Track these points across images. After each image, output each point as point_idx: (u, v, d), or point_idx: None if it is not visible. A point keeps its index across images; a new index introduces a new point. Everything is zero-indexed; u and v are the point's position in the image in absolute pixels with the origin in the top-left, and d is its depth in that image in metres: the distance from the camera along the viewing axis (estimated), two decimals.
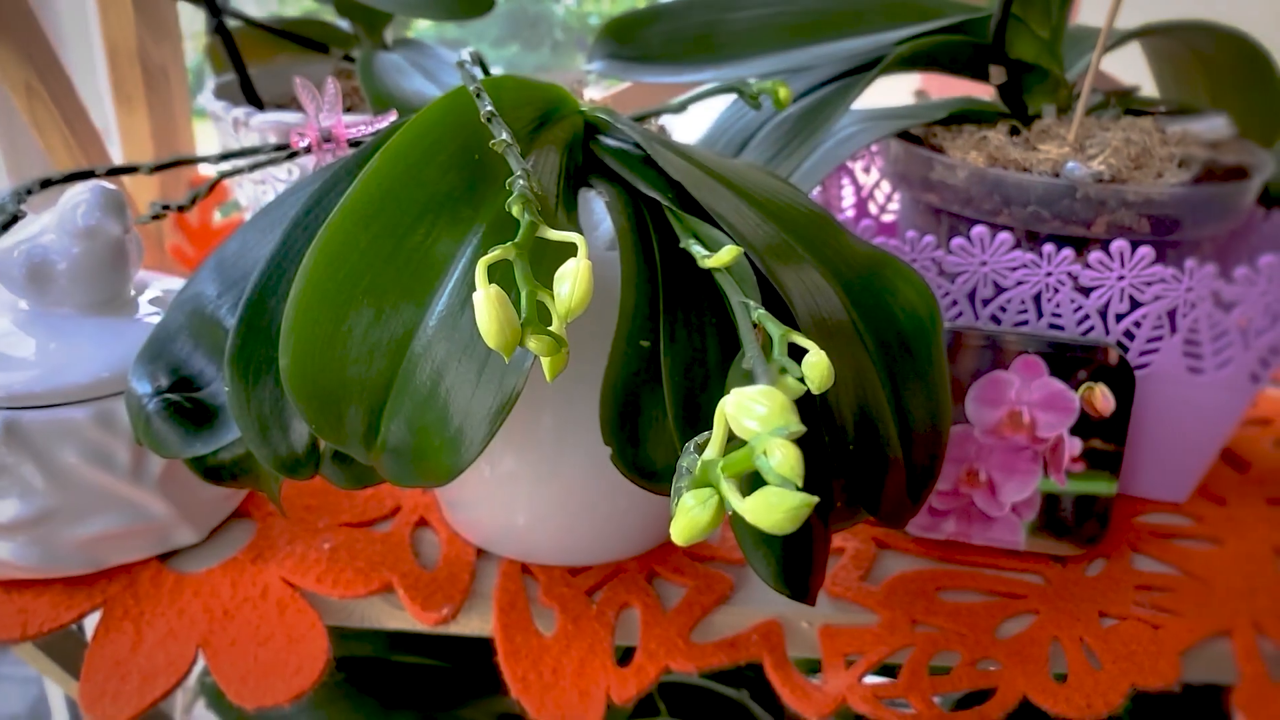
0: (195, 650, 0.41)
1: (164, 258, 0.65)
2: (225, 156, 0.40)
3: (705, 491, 0.19)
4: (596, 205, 0.39)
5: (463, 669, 0.55)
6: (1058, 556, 0.47)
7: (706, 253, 0.33)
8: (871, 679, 0.41)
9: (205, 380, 0.38)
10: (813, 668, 0.42)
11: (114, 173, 0.40)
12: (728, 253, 0.32)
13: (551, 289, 0.28)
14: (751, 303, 0.31)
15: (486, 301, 0.26)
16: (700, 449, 0.22)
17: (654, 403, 0.36)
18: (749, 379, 0.31)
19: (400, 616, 0.43)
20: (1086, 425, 0.45)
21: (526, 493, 0.44)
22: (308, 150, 0.41)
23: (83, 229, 0.41)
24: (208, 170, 0.67)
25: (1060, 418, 0.45)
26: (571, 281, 0.27)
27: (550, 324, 0.28)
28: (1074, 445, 0.45)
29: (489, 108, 0.32)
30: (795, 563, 0.35)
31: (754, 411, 0.19)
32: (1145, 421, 0.49)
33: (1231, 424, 0.48)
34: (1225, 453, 0.56)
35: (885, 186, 0.65)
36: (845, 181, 0.65)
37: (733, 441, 0.20)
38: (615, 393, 0.35)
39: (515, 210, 0.28)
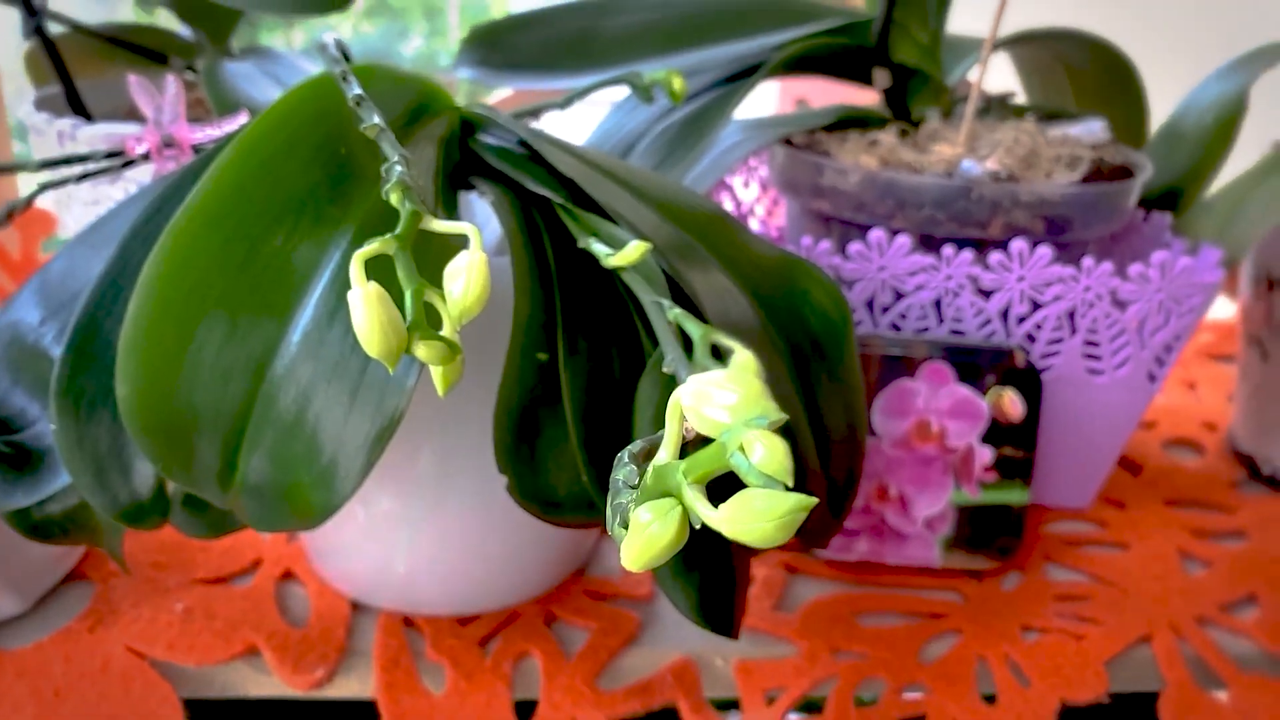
0: None
1: None
2: (48, 164, 0.35)
3: (665, 503, 0.16)
4: (479, 208, 0.35)
5: None
6: (974, 571, 0.45)
7: (610, 251, 0.30)
8: (795, 716, 0.38)
9: (27, 420, 0.32)
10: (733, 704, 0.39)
11: None
12: (634, 250, 0.29)
13: (439, 288, 0.24)
14: (665, 302, 0.28)
15: (365, 301, 0.22)
16: (637, 458, 0.19)
17: (555, 422, 0.32)
18: (663, 396, 0.28)
19: (268, 683, 0.37)
20: (997, 433, 0.43)
21: (406, 535, 0.39)
22: (146, 158, 0.36)
23: None
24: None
25: (970, 425, 0.43)
26: (465, 277, 0.24)
27: (440, 328, 0.24)
28: (985, 454, 0.43)
29: (357, 90, 0.28)
30: (716, 593, 0.32)
31: (719, 400, 0.16)
32: (1049, 427, 0.48)
33: (1131, 425, 0.48)
34: (1119, 457, 0.56)
35: (767, 201, 0.63)
36: (725, 197, 0.64)
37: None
38: (510, 413, 0.31)
39: (394, 199, 0.24)
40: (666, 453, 0.17)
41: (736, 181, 0.63)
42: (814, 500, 0.15)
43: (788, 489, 0.15)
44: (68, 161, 0.35)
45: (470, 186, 0.35)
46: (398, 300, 0.23)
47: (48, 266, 0.35)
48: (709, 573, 0.32)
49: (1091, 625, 0.42)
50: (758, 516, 0.15)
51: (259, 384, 0.28)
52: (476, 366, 0.32)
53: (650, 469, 0.16)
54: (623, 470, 0.18)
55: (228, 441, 0.29)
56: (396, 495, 0.39)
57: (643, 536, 0.15)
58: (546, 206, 0.33)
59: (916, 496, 0.44)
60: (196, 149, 0.36)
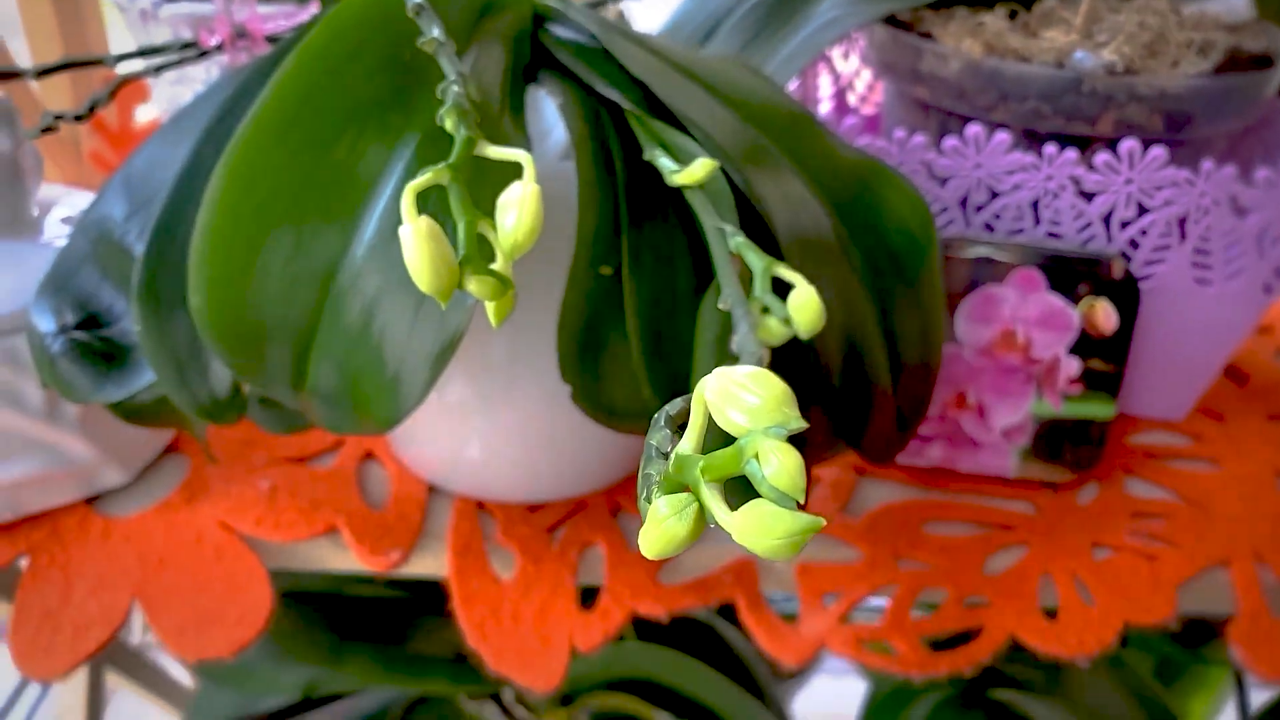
0: (129, 600, 0.38)
1: (83, 166, 0.60)
2: (124, 57, 0.35)
3: (682, 498, 0.15)
4: (548, 108, 0.34)
5: (421, 599, 0.53)
6: (1049, 483, 0.44)
7: (675, 166, 0.29)
8: (853, 620, 0.39)
9: (115, 316, 0.34)
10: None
11: (4, 77, 0.35)
12: (701, 167, 0.28)
13: (494, 218, 0.24)
14: (729, 228, 0.27)
15: (416, 237, 0.22)
16: (672, 423, 0.18)
17: (618, 335, 0.32)
18: (726, 320, 0.28)
19: (347, 559, 0.39)
20: (1086, 344, 0.42)
21: (479, 424, 0.40)
22: (220, 49, 0.36)
23: None
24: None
25: (1058, 336, 0.42)
26: (518, 210, 0.23)
27: (494, 261, 0.24)
28: (1071, 366, 0.42)
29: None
30: None
31: (742, 401, 0.15)
32: (1145, 336, 0.45)
33: (1238, 338, 0.45)
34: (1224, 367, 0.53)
35: (868, 76, 0.60)
36: (822, 70, 0.60)
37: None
38: (573, 326, 0.31)
39: (449, 124, 0.24)
40: (690, 443, 0.16)
41: (835, 53, 0.60)
42: (822, 522, 0.14)
43: (800, 506, 0.15)
44: (143, 54, 0.35)
45: (538, 82, 0.34)
46: (450, 230, 0.23)
47: (131, 160, 0.35)
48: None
49: (1167, 546, 0.41)
50: (766, 531, 0.14)
51: (326, 295, 0.29)
52: (549, 257, 0.31)
53: (674, 457, 0.16)
54: (657, 435, 0.18)
55: (297, 349, 0.29)
56: (469, 383, 0.39)
57: (660, 528, 0.15)
58: (616, 109, 0.32)
59: (995, 406, 0.43)
60: (270, 39, 0.36)
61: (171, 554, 0.39)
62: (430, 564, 0.40)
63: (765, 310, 0.25)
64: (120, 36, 0.57)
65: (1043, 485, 0.44)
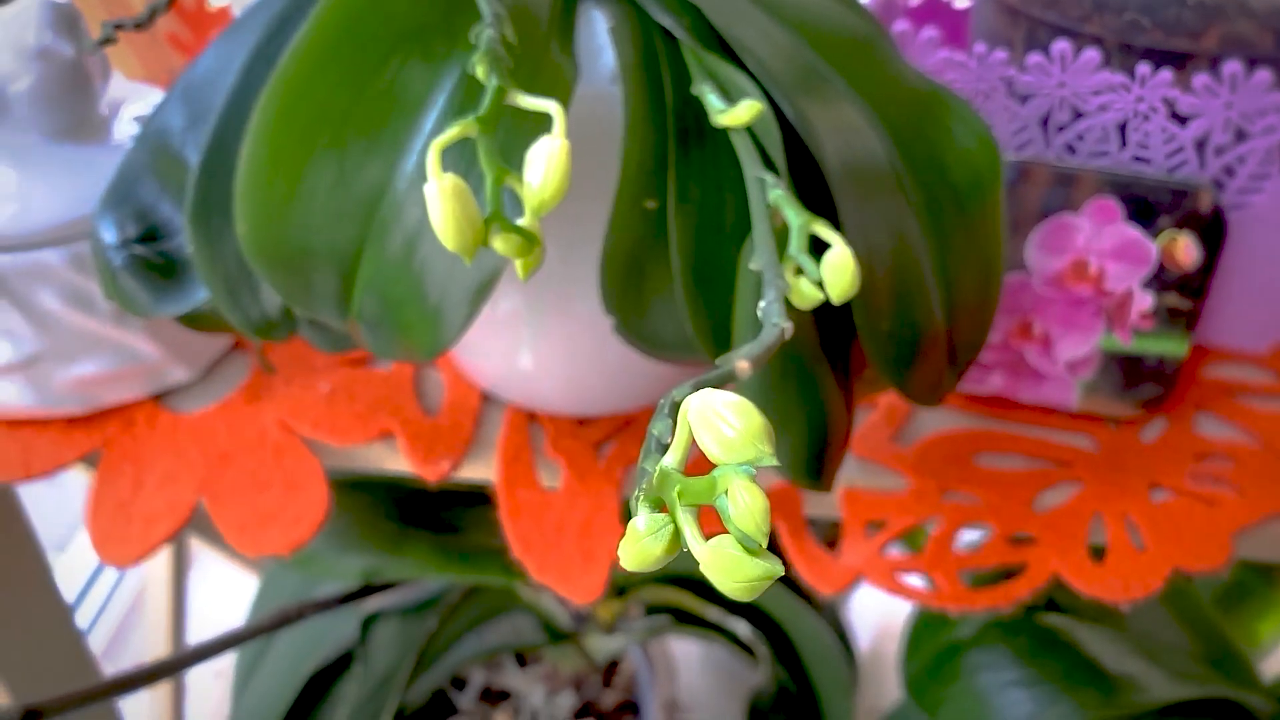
0: (195, 495, 0.40)
1: (162, 49, 0.60)
2: None
3: (658, 520, 0.15)
4: (600, 26, 0.33)
5: (482, 492, 0.54)
6: (1113, 418, 0.43)
7: (722, 106, 0.28)
8: (893, 551, 0.39)
9: (174, 229, 0.34)
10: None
11: None
12: (747, 110, 0.27)
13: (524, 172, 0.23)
14: (769, 178, 0.26)
15: (441, 196, 0.22)
16: (674, 411, 0.18)
17: (662, 267, 0.31)
18: (753, 288, 0.27)
19: (401, 463, 0.41)
20: (1163, 278, 0.40)
21: (531, 337, 0.41)
22: None
23: (34, 51, 0.36)
24: None
25: (1133, 269, 0.40)
26: (545, 167, 0.23)
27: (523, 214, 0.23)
28: (1145, 300, 0.40)
29: None
30: (811, 451, 0.32)
31: (718, 431, 0.15)
32: (1232, 266, 0.43)
33: None
34: None
35: None
36: None
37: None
38: (616, 259, 0.31)
39: (480, 71, 0.23)
40: (674, 457, 0.16)
41: None
42: (778, 572, 0.14)
43: (763, 549, 0.14)
44: None
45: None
46: (477, 184, 0.23)
47: (193, 66, 0.35)
48: (804, 430, 0.32)
49: (1229, 490, 0.40)
50: (729, 573, 0.14)
51: (370, 224, 0.29)
52: (604, 175, 0.31)
53: (657, 469, 0.16)
54: (659, 423, 0.18)
55: (343, 277, 0.30)
56: (521, 294, 0.39)
57: (638, 544, 0.16)
58: (668, 33, 0.31)
59: (1061, 337, 0.41)
60: None
61: (234, 452, 0.40)
62: (480, 471, 0.41)
63: (798, 272, 0.24)
64: None
65: (1106, 420, 0.43)
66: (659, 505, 0.16)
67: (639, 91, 0.30)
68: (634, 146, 0.30)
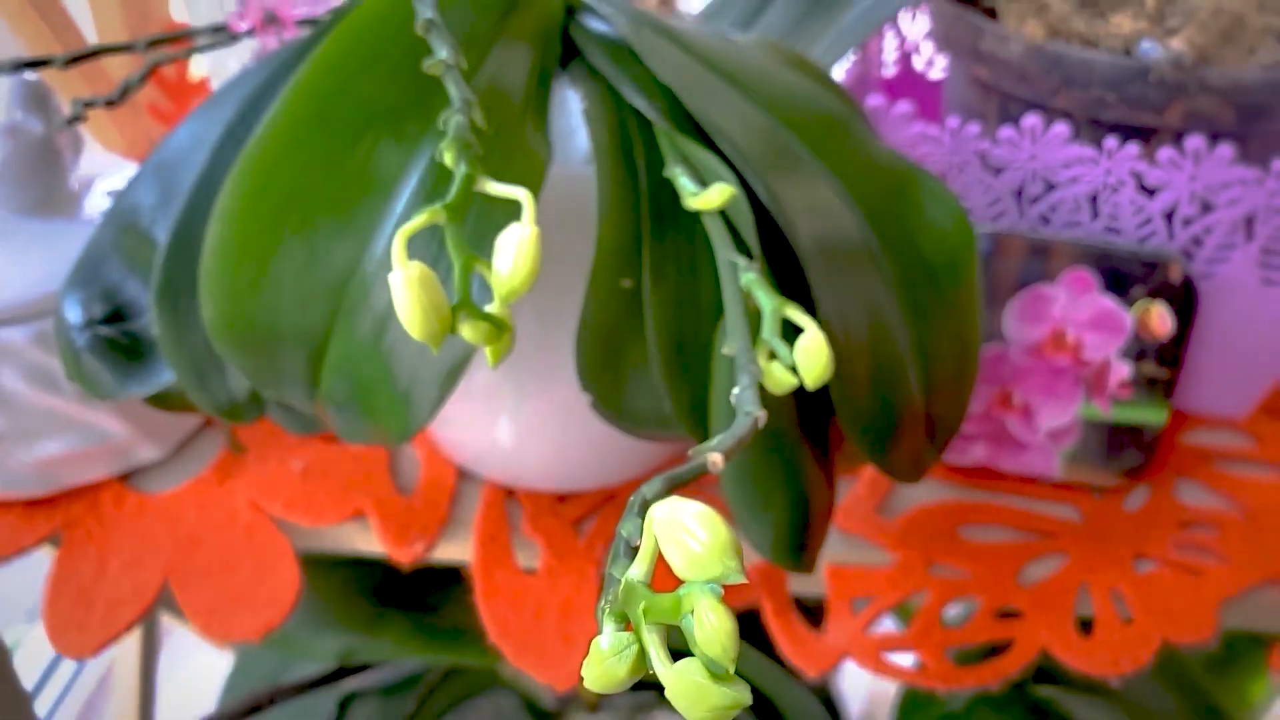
0: (161, 579, 0.39)
1: (142, 120, 0.60)
2: (156, 42, 0.35)
3: (622, 639, 0.15)
4: (574, 106, 0.33)
5: (459, 570, 0.53)
6: (1095, 486, 0.42)
7: (695, 189, 0.27)
8: (881, 625, 0.38)
9: (141, 309, 0.34)
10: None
11: (31, 65, 0.35)
12: (719, 194, 0.27)
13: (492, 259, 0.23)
14: (741, 262, 0.26)
15: (407, 284, 0.21)
16: (643, 509, 0.18)
17: (639, 344, 0.31)
18: (729, 367, 0.27)
19: (374, 543, 0.40)
20: (1139, 348, 0.40)
21: (510, 412, 0.40)
22: (251, 33, 0.35)
23: (3, 127, 0.36)
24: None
25: (1110, 339, 0.40)
26: (515, 253, 0.22)
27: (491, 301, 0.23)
28: (1122, 369, 0.40)
29: (428, 14, 0.26)
30: (791, 532, 0.32)
31: (684, 544, 0.15)
32: (1206, 334, 0.43)
33: None
34: None
35: (937, 40, 0.57)
36: (889, 30, 0.58)
37: None
38: (593, 337, 0.31)
39: (448, 158, 0.23)
40: (640, 569, 0.16)
41: (903, 14, 0.57)
42: (746, 701, 0.14)
43: (729, 675, 0.14)
44: (174, 39, 0.34)
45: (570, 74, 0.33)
46: (444, 273, 0.23)
47: (165, 143, 0.35)
48: (785, 510, 0.31)
49: (1214, 560, 0.39)
50: (695, 700, 0.14)
51: (338, 306, 0.29)
52: (581, 250, 0.30)
53: (622, 583, 0.16)
54: (628, 524, 0.18)
55: (311, 359, 0.29)
56: (500, 372, 0.39)
57: (602, 665, 0.15)
58: (642, 114, 0.31)
59: (1042, 407, 0.41)
60: (307, 22, 0.35)
61: (203, 533, 0.39)
62: (456, 551, 0.40)
63: (771, 356, 0.24)
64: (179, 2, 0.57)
65: (1089, 489, 0.42)
66: (625, 621, 0.15)
67: (613, 173, 0.30)
68: (608, 228, 0.30)
